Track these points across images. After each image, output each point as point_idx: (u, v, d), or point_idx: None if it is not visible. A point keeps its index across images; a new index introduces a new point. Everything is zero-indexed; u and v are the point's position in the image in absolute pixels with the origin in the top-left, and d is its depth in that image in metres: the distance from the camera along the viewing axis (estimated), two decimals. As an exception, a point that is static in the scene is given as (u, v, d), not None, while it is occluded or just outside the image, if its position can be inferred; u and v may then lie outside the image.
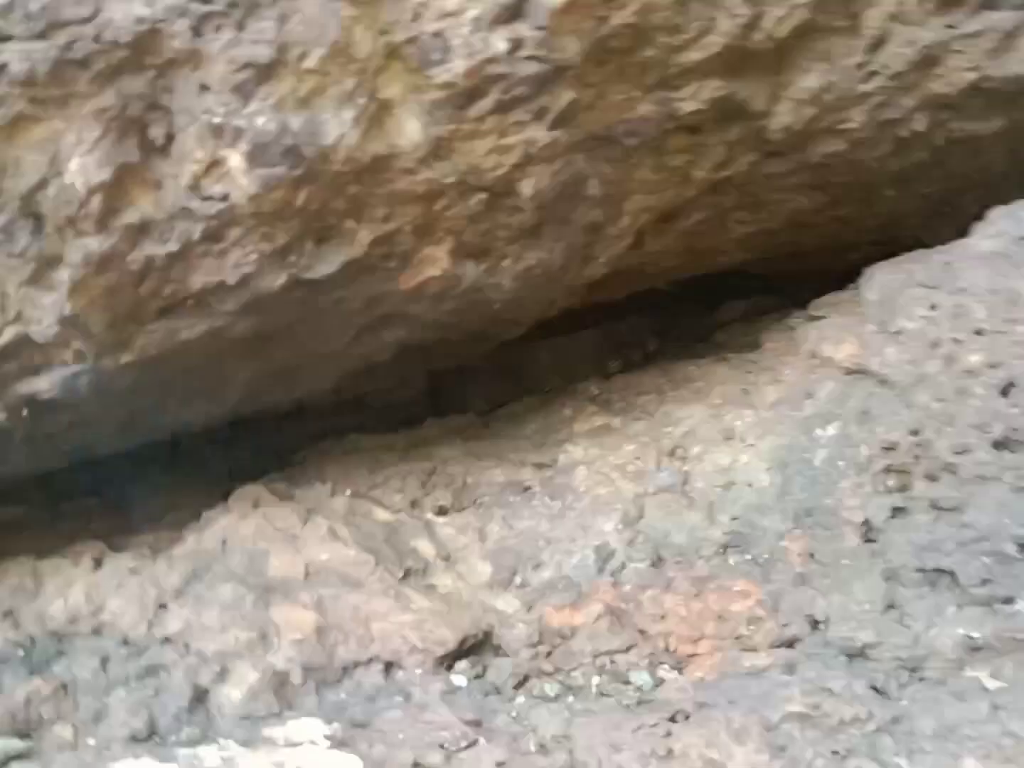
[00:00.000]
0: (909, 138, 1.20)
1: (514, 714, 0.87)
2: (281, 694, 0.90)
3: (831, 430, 1.20)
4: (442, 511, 1.19)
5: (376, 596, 0.99)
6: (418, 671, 0.92)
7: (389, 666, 0.94)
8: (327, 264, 0.87)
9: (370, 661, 0.94)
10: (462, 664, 0.95)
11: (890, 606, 0.95)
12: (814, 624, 0.97)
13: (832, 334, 1.31)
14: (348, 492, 1.21)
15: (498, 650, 0.98)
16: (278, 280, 0.85)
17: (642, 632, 1.01)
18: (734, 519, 1.16)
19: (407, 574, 1.06)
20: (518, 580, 1.08)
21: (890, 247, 1.90)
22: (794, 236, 1.54)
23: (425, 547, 1.11)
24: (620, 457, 1.27)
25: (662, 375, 1.56)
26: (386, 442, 1.48)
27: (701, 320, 2.11)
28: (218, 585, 1.01)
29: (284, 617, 0.96)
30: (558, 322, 1.84)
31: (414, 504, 1.21)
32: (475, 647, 0.97)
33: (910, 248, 1.65)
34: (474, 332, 1.36)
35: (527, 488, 1.25)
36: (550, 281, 1.12)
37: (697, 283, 2.10)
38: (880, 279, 1.32)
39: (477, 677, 0.94)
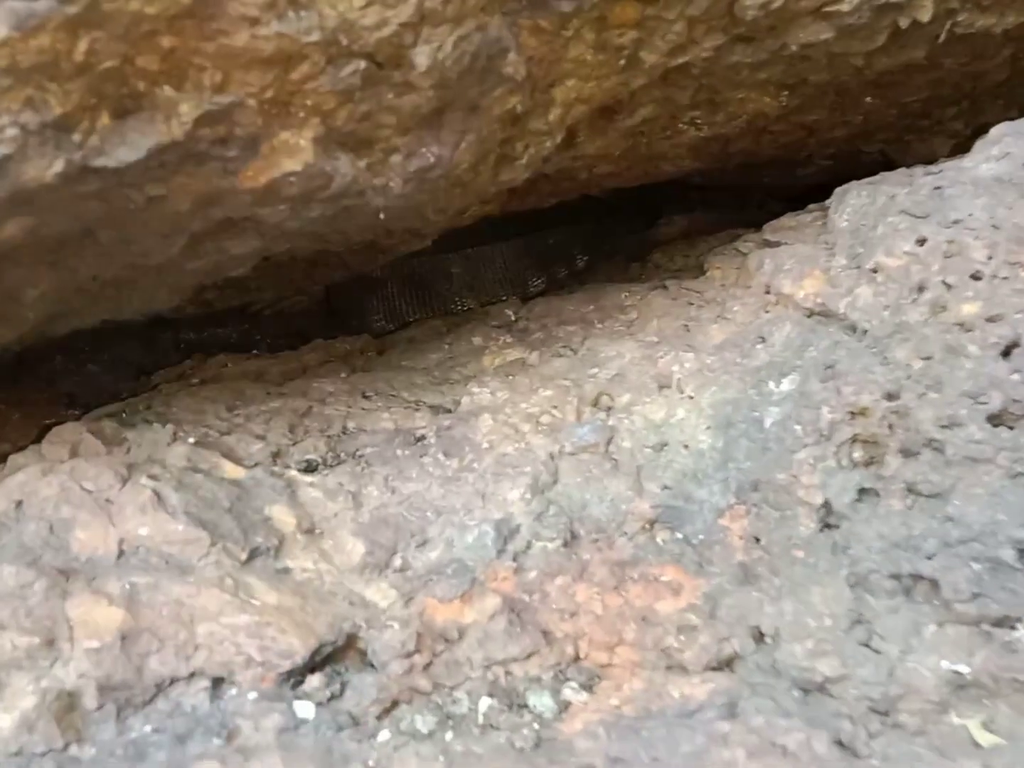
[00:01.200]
0: (907, 30, 0.97)
1: (372, 763, 0.66)
2: (67, 723, 0.68)
3: (786, 385, 1.00)
4: (310, 467, 0.96)
5: (207, 587, 0.76)
6: (252, 694, 0.71)
7: (217, 684, 0.72)
8: (130, 147, 0.62)
9: (192, 677, 0.72)
10: (314, 681, 0.73)
11: (856, 621, 0.76)
12: (759, 637, 0.78)
13: (792, 266, 1.10)
14: (192, 438, 0.97)
15: (363, 659, 0.76)
16: (53, 167, 0.59)
17: (547, 634, 0.81)
18: (665, 488, 0.96)
19: (253, 555, 0.83)
20: (397, 562, 0.86)
21: (850, 165, 1.69)
22: (751, 144, 1.31)
23: (283, 516, 0.89)
24: (534, 404, 1.05)
25: (590, 301, 1.33)
26: (256, 368, 1.24)
27: (635, 235, 1.89)
28: (0, 565, 0.77)
29: (82, 614, 0.73)
30: (473, 229, 1.60)
31: (276, 456, 0.98)
32: (333, 656, 0.76)
33: (873, 168, 1.44)
34: (364, 243, 1.11)
35: (420, 439, 1.02)
36: (455, 186, 0.88)
37: (631, 192, 1.87)
38: (853, 202, 1.11)
39: (332, 699, 0.72)
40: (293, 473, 0.95)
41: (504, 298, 1.61)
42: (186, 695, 0.71)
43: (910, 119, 1.37)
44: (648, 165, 1.25)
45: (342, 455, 1.00)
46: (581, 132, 0.99)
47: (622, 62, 0.88)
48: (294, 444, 1.00)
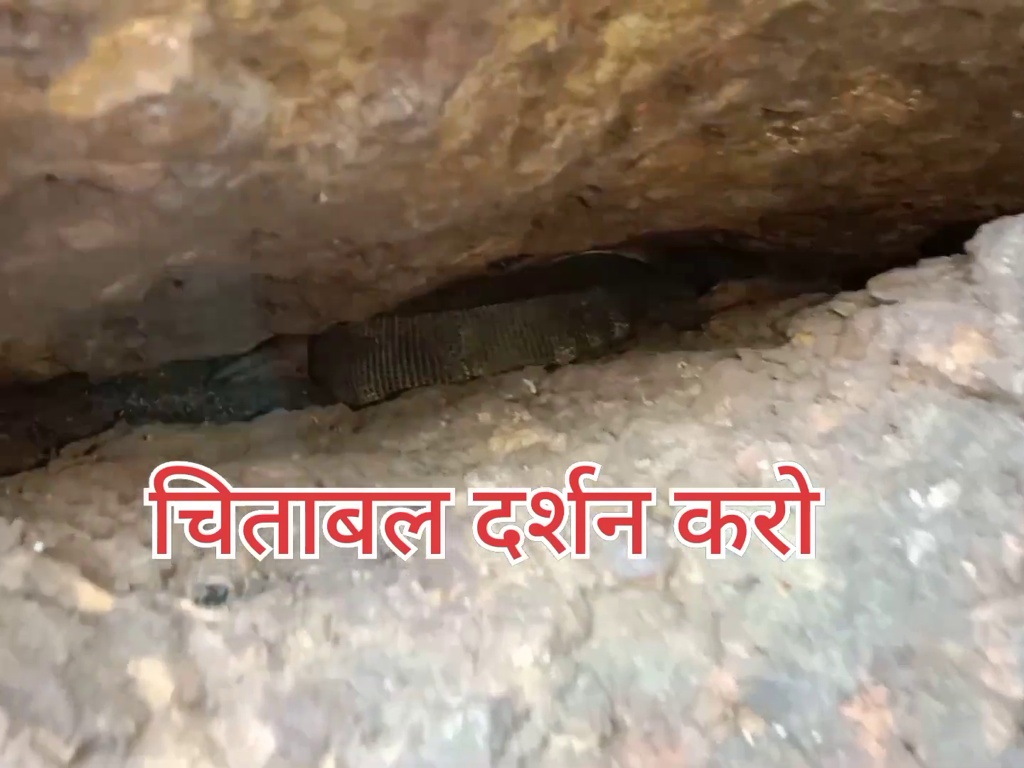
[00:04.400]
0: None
1: None
2: None
3: (939, 497, 0.67)
4: (215, 596, 0.63)
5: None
6: None
7: None
8: None
9: None
10: None
11: None
12: None
13: (931, 327, 0.78)
14: (45, 543, 0.64)
15: None
16: None
17: None
18: (757, 652, 0.62)
19: (86, 752, 0.50)
20: (327, 768, 0.52)
21: (946, 229, 1.38)
22: (851, 177, 1.00)
23: (154, 678, 0.56)
24: (558, 510, 0.72)
25: (634, 371, 1.01)
26: (183, 444, 0.92)
27: (684, 303, 1.58)
28: None
29: None
30: (486, 283, 1.29)
31: (170, 575, 0.65)
32: None
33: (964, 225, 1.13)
34: (330, 275, 0.80)
35: (388, 555, 0.69)
36: (450, 171, 0.57)
37: (677, 256, 1.57)
38: (1018, 242, 0.79)
39: None
40: (186, 605, 0.62)
41: (523, 367, 1.30)
42: None
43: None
44: (718, 193, 0.95)
45: (271, 576, 0.67)
46: (639, 117, 0.68)
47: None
48: (201, 557, 0.67)
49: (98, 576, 0.62)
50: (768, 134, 0.85)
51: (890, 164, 0.99)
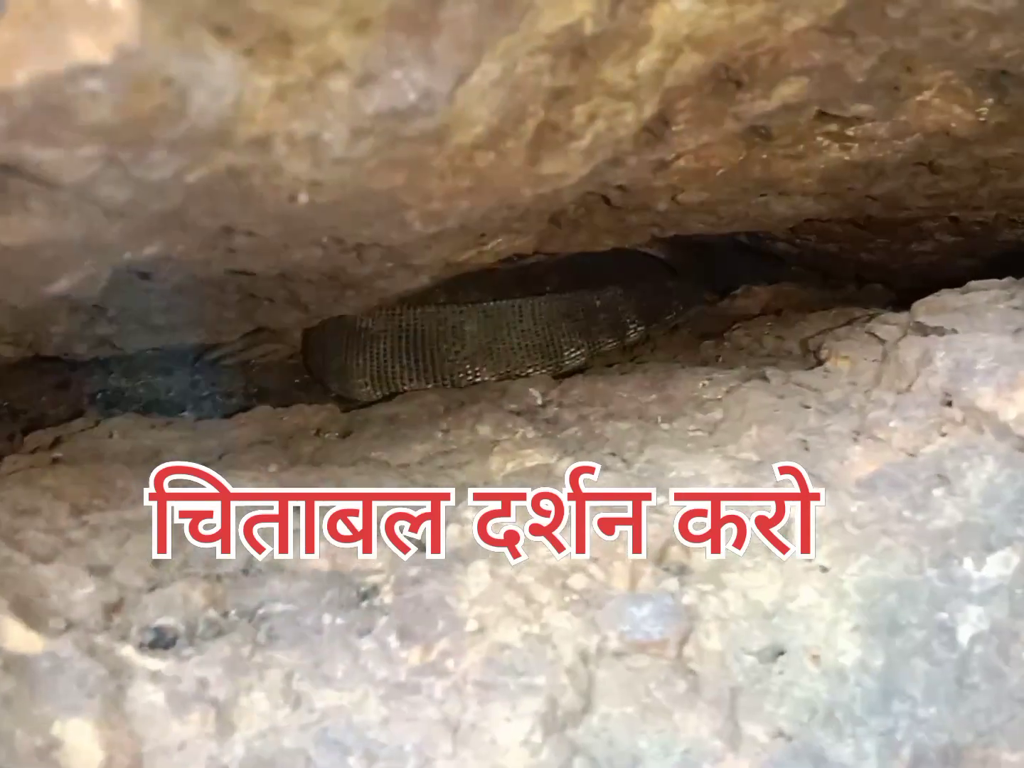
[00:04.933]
0: None
1: None
2: None
3: (996, 567, 0.58)
4: (162, 640, 0.55)
5: None
6: None
7: None
8: None
9: None
10: None
11: None
12: None
13: (990, 367, 0.69)
14: (-24, 567, 0.56)
15: None
16: None
17: None
18: (780, 737, 0.54)
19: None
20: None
21: (984, 242, 1.29)
22: (903, 188, 0.92)
23: (81, 743, 0.48)
24: (562, 552, 0.64)
25: (651, 388, 0.93)
26: (152, 444, 0.84)
27: (704, 306, 1.49)
28: None
29: None
30: (494, 277, 1.21)
31: (114, 611, 0.57)
32: None
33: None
34: (321, 272, 0.72)
35: (365, 595, 0.61)
36: (460, 168, 0.49)
37: (693, 255, 1.48)
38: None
39: None
40: (129, 651, 0.54)
41: (531, 370, 1.21)
42: None
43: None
44: (755, 198, 0.86)
45: (231, 614, 0.59)
46: (681, 115, 0.59)
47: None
48: (152, 589, 0.59)
49: (31, 610, 0.54)
50: (819, 139, 0.76)
51: (944, 177, 0.91)
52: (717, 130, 0.62)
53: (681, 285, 1.45)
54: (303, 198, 0.43)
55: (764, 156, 0.76)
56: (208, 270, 0.59)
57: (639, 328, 1.32)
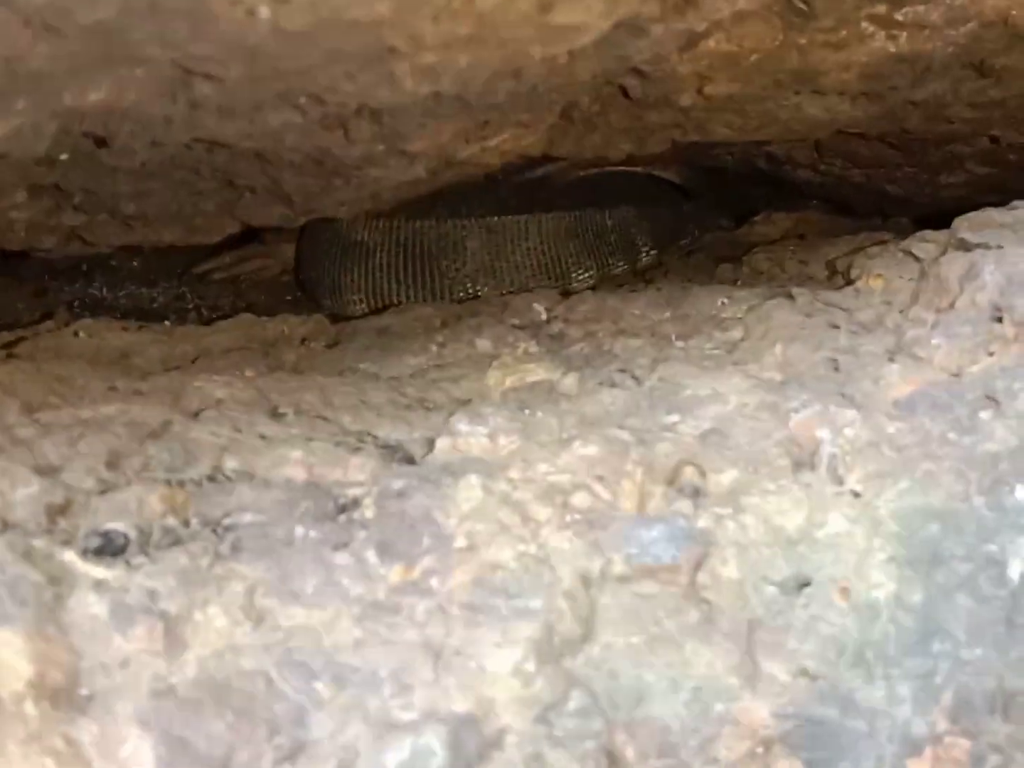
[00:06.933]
0: None
1: None
2: None
3: (1053, 496, 0.52)
4: (109, 547, 0.49)
5: None
6: None
7: None
8: None
9: None
10: None
11: None
12: None
13: (1047, 279, 0.62)
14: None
15: None
16: None
17: None
18: (803, 674, 0.48)
19: None
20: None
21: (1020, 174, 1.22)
22: (948, 93, 0.84)
23: (3, 660, 0.42)
24: (563, 468, 0.57)
25: (665, 305, 0.86)
26: (122, 344, 0.77)
27: (721, 232, 1.42)
28: None
29: None
30: (499, 191, 1.13)
31: (60, 514, 0.51)
32: None
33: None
34: (304, 152, 0.65)
35: (344, 508, 0.55)
36: None
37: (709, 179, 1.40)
38: None
39: None
40: (70, 557, 0.47)
41: (533, 288, 1.14)
42: None
43: None
44: (787, 96, 0.78)
45: (192, 523, 0.53)
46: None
47: None
48: (104, 492, 0.53)
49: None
50: (864, 24, 0.68)
51: (994, 81, 0.83)
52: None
53: (697, 209, 1.38)
54: (264, 12, 0.35)
55: (802, 41, 0.69)
56: (172, 134, 0.52)
57: (652, 252, 1.25)
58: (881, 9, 0.67)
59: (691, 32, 0.60)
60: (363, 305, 1.17)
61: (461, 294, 1.14)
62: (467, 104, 0.59)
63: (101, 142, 0.54)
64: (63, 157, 0.57)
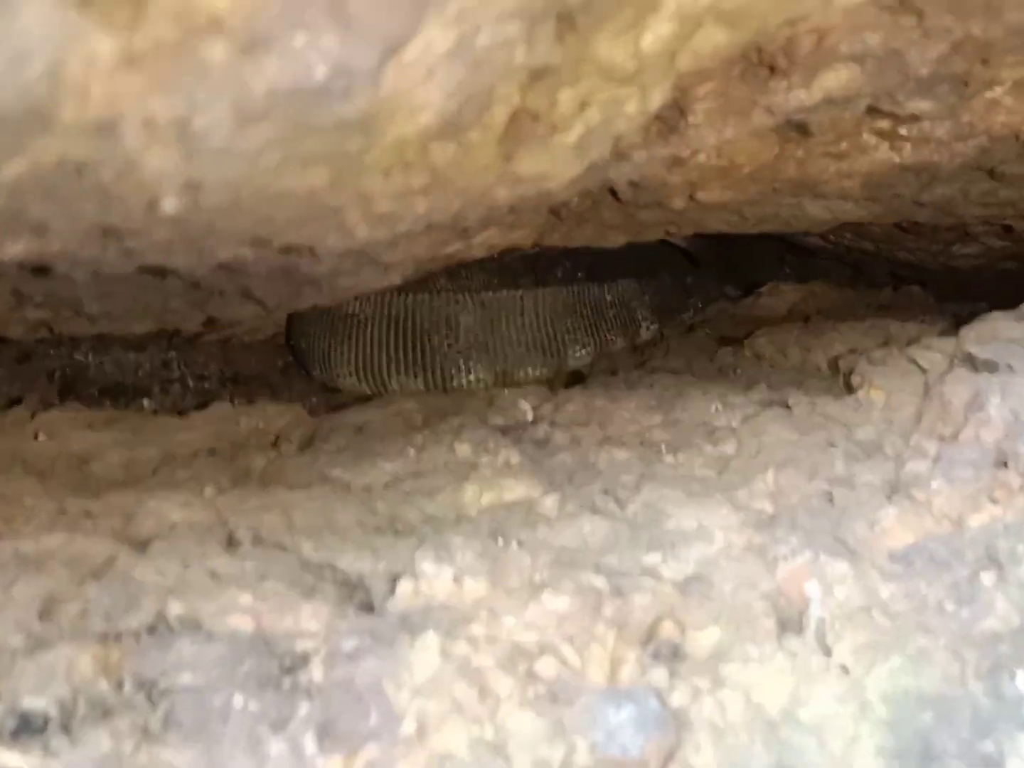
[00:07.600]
0: None
1: None
2: None
3: (1062, 686, 0.48)
4: (27, 726, 0.45)
5: None
6: None
7: None
8: None
9: None
10: None
11: None
12: None
13: (1060, 423, 0.58)
14: None
15: None
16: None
17: None
18: None
19: None
20: None
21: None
22: (958, 193, 0.80)
23: None
24: (530, 623, 0.53)
25: (657, 407, 0.82)
26: (81, 450, 0.74)
27: (726, 303, 1.37)
28: None
29: None
30: (495, 264, 1.10)
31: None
32: None
33: None
34: (275, 267, 0.61)
35: (290, 669, 0.51)
36: (401, 163, 0.38)
37: (716, 245, 1.36)
38: None
39: None
40: (-20, 741, 0.44)
41: (530, 369, 1.11)
42: None
43: None
44: (787, 199, 0.74)
45: (126, 688, 0.49)
46: (699, 104, 0.48)
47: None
48: (32, 651, 0.49)
49: None
50: (866, 137, 0.64)
51: (1005, 184, 0.79)
52: (745, 124, 0.51)
53: (701, 279, 1.34)
54: (168, 204, 0.32)
55: (800, 154, 0.65)
56: (114, 268, 0.49)
57: (652, 326, 1.21)
58: (884, 125, 0.63)
59: (677, 156, 0.56)
60: (353, 379, 1.14)
61: (453, 370, 1.10)
62: (440, 226, 0.55)
63: (41, 271, 0.51)
64: (10, 273, 0.54)
